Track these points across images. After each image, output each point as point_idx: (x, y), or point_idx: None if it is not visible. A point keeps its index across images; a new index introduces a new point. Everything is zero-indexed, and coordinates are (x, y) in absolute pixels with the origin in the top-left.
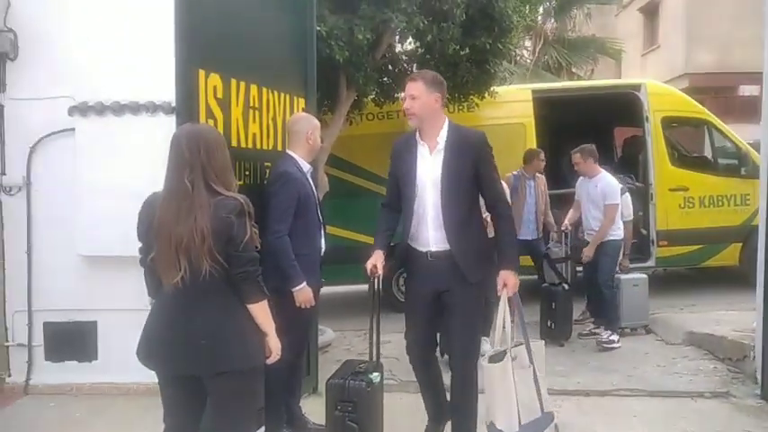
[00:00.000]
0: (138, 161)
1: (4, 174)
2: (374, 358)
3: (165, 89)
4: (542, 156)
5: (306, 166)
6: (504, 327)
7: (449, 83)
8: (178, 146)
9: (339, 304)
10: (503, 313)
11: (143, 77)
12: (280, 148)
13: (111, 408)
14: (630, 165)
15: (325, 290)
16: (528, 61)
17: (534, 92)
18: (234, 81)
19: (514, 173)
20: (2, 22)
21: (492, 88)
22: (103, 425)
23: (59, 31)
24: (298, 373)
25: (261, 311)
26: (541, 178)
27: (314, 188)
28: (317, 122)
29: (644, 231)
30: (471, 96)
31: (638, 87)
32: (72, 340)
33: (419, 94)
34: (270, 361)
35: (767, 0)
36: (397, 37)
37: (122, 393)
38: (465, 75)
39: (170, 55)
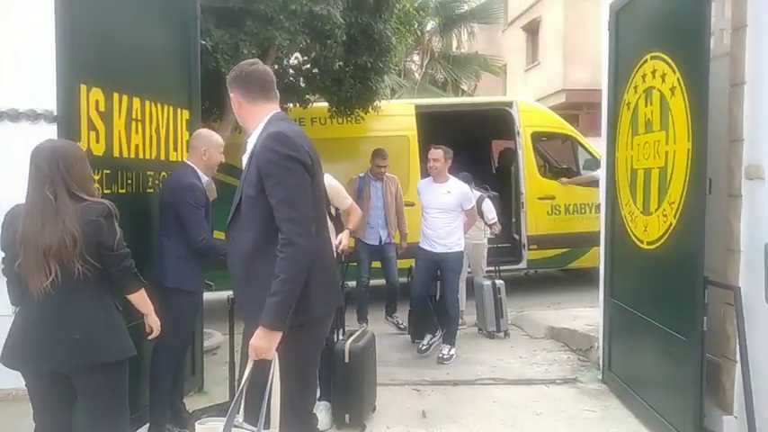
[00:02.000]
0: (17, 169)
1: None
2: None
3: (48, 98)
4: (383, 155)
5: (204, 178)
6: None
7: (334, 97)
8: (37, 162)
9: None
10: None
11: (24, 86)
12: (162, 157)
13: None
14: (505, 175)
15: (215, 295)
16: (417, 76)
17: (417, 107)
18: (116, 94)
19: (360, 175)
20: None
21: (375, 103)
22: None
23: None
24: (181, 368)
25: (140, 298)
26: (393, 179)
27: (208, 197)
28: (217, 141)
29: (516, 236)
30: (356, 110)
31: (510, 104)
32: None
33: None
34: (151, 337)
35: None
36: (285, 51)
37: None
38: (349, 90)
39: (53, 65)
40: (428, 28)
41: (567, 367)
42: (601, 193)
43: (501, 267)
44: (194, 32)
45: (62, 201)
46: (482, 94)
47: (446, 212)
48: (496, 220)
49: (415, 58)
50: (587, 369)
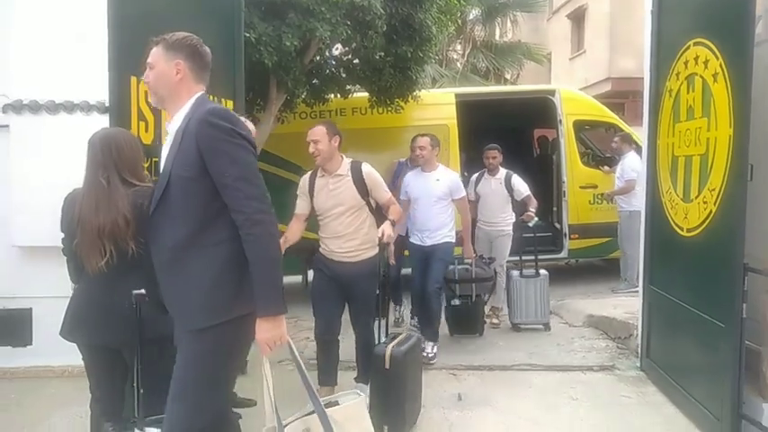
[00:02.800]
0: (73, 158)
1: None
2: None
3: (100, 89)
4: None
5: None
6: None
7: (374, 87)
8: (93, 149)
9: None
10: (266, 384)
11: (78, 78)
12: None
13: (45, 388)
14: (546, 163)
15: None
16: (458, 65)
17: (457, 95)
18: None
19: (401, 160)
20: None
21: (415, 92)
22: (39, 404)
23: None
24: None
25: None
26: None
27: None
28: (252, 129)
29: (557, 225)
30: (396, 100)
31: (552, 93)
32: (7, 327)
33: (154, 62)
34: None
35: (647, 21)
36: (327, 42)
37: (57, 375)
38: (389, 80)
39: (101, 59)
40: (470, 17)
41: (605, 355)
42: (642, 181)
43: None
44: (238, 25)
45: (114, 185)
46: (526, 84)
47: (436, 202)
48: (529, 193)
49: (457, 47)
50: (625, 356)
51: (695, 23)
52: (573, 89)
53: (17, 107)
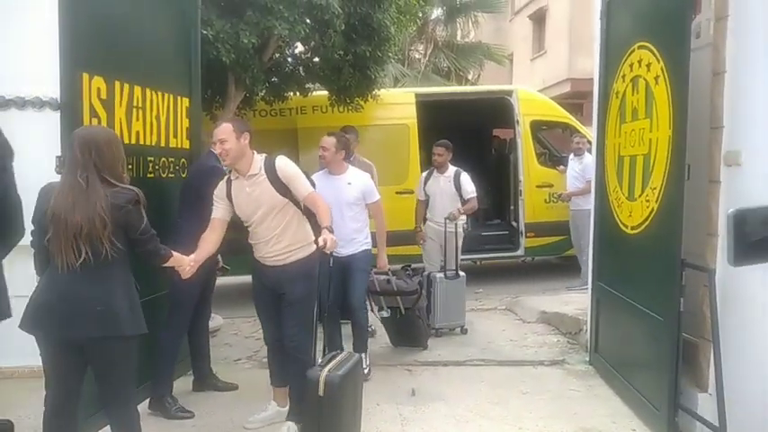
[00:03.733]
0: (23, 154)
1: None
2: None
3: (53, 86)
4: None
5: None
6: None
7: (334, 86)
8: (71, 148)
9: (233, 293)
10: None
11: (30, 74)
12: (163, 144)
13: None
14: (503, 163)
15: (220, 279)
16: (421, 65)
17: (417, 95)
18: (117, 83)
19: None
20: None
21: (375, 91)
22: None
23: None
24: (202, 336)
25: (170, 264)
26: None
27: None
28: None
29: (514, 224)
30: (356, 99)
31: (510, 93)
32: None
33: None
34: (185, 276)
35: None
36: (286, 41)
37: (6, 377)
38: (348, 79)
39: (53, 56)
40: (432, 17)
41: (556, 350)
42: (591, 181)
43: (497, 254)
44: (195, 22)
45: (93, 186)
46: (487, 84)
47: (349, 207)
48: (475, 194)
49: (419, 47)
50: (575, 351)
51: (640, 27)
52: (530, 90)
53: None
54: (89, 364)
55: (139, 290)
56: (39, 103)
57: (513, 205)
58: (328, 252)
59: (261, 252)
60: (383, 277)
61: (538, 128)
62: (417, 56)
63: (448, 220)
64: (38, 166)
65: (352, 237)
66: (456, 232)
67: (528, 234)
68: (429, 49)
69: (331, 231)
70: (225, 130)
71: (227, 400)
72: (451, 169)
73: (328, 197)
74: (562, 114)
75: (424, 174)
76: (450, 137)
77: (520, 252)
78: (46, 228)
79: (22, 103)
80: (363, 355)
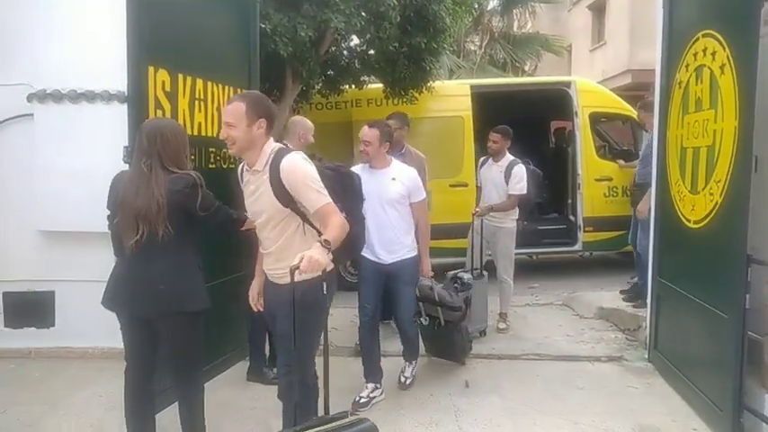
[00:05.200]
0: (93, 145)
1: None
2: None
3: (120, 80)
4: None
5: None
6: None
7: (388, 78)
8: (139, 137)
9: None
10: None
11: (99, 68)
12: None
13: (67, 369)
14: (562, 156)
15: None
16: (476, 56)
17: (473, 87)
18: (181, 76)
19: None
20: None
21: (429, 83)
22: (61, 383)
23: (20, 22)
24: None
25: (248, 226)
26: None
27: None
28: (310, 126)
29: (572, 218)
30: (410, 91)
31: (568, 84)
32: (31, 309)
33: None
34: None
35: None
36: (342, 33)
37: (78, 357)
38: (403, 71)
39: (120, 49)
40: (488, 8)
41: (614, 346)
42: (652, 174)
43: (554, 249)
44: (254, 16)
45: (155, 173)
46: (545, 75)
47: (392, 206)
48: (524, 191)
49: (475, 38)
50: (634, 348)
51: (704, 15)
52: (590, 81)
53: (41, 96)
54: (158, 340)
55: (201, 269)
56: (107, 97)
57: (571, 199)
58: (302, 271)
59: (265, 263)
60: (426, 283)
61: (597, 120)
62: (473, 47)
63: (475, 217)
64: (107, 156)
65: (397, 240)
66: (506, 228)
67: (586, 228)
68: (485, 41)
69: (325, 246)
70: (235, 111)
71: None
72: (507, 159)
73: (369, 194)
74: (623, 106)
75: (481, 159)
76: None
77: (577, 247)
78: (116, 211)
79: (91, 97)
80: (412, 363)
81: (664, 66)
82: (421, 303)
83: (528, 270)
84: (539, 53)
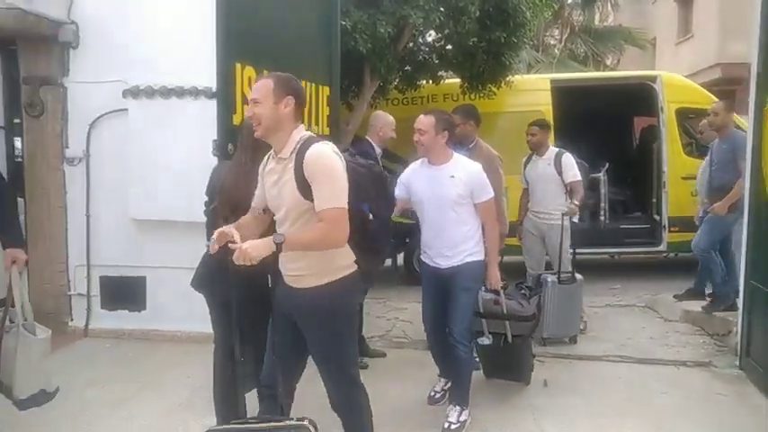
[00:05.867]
0: (181, 138)
1: (67, 147)
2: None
3: (207, 77)
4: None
5: (378, 151)
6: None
7: (466, 73)
8: (241, 132)
9: None
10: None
11: (188, 66)
12: (306, 130)
13: (157, 350)
14: (646, 154)
15: None
16: (556, 50)
17: (553, 81)
18: (266, 72)
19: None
20: (66, 15)
21: (508, 78)
22: (152, 363)
23: (115, 23)
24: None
25: None
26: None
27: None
28: (391, 120)
29: (656, 217)
30: (488, 85)
31: (653, 79)
32: (124, 292)
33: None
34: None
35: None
36: (420, 29)
37: (167, 339)
38: (482, 65)
39: (210, 46)
40: (569, 1)
41: (701, 351)
42: (746, 172)
43: (636, 249)
44: (335, 14)
45: (253, 167)
46: (627, 70)
47: (452, 207)
48: (578, 179)
49: (555, 32)
50: (723, 354)
51: None
52: (677, 75)
53: (134, 92)
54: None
55: None
56: (195, 92)
57: (656, 198)
58: (236, 261)
59: (281, 263)
60: (490, 296)
61: (684, 116)
62: (552, 42)
63: (565, 217)
64: (195, 149)
65: (454, 245)
66: (562, 225)
67: (671, 228)
68: (565, 35)
69: (277, 246)
70: (262, 87)
71: None
72: (551, 150)
73: (424, 193)
74: (713, 101)
75: (524, 158)
76: (587, 125)
77: (662, 247)
78: (214, 198)
79: (181, 93)
80: (457, 407)
81: (760, 58)
82: (484, 321)
83: (609, 270)
84: (621, 47)
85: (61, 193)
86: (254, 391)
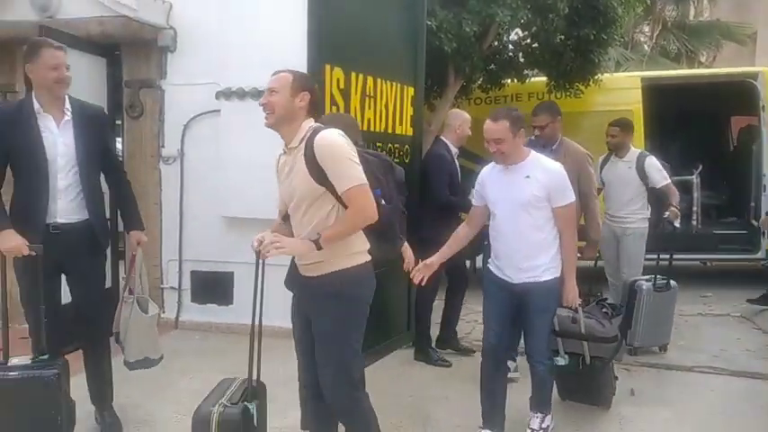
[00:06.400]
0: (270, 137)
1: (163, 146)
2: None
3: None
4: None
5: (454, 150)
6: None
7: (553, 71)
8: None
9: None
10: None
11: (277, 68)
12: (390, 130)
13: (243, 344)
14: (745, 156)
15: None
16: (646, 47)
17: (644, 79)
18: (353, 74)
19: (530, 137)
20: (165, 21)
21: (597, 76)
22: (239, 356)
23: (210, 29)
24: (457, 311)
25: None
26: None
27: (458, 167)
28: (468, 117)
29: (754, 223)
30: (576, 84)
31: (755, 76)
32: (213, 287)
33: None
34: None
35: None
36: (506, 27)
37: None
38: (569, 63)
39: (300, 50)
40: None
41: None
42: None
43: (731, 256)
44: (421, 15)
45: None
46: (723, 67)
47: (525, 211)
48: (668, 181)
49: (645, 28)
50: None
51: None
52: None
53: (227, 94)
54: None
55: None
56: None
57: (754, 202)
58: (261, 255)
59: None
60: (567, 313)
61: None
62: (642, 38)
63: (667, 222)
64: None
65: (529, 255)
66: (636, 230)
67: None
68: (656, 31)
69: (316, 244)
70: (280, 78)
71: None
72: (633, 152)
73: (498, 195)
74: None
75: (602, 157)
76: (680, 125)
77: (760, 255)
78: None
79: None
80: (539, 414)
81: None
82: (559, 339)
83: (699, 277)
84: (718, 42)
85: (157, 191)
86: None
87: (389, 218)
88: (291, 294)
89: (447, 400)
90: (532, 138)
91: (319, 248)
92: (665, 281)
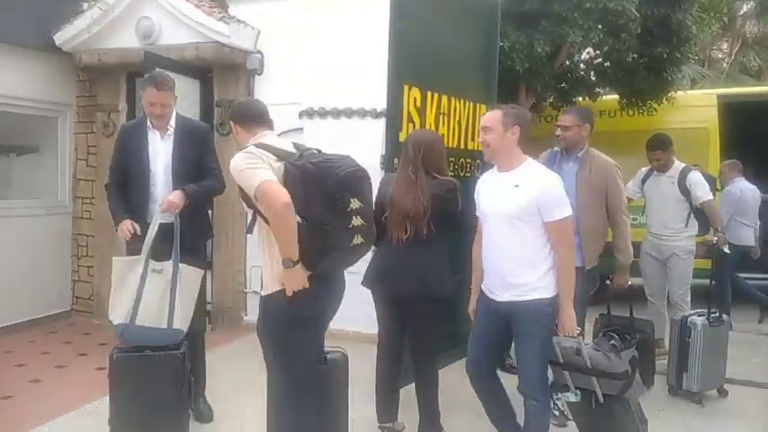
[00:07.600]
0: (352, 154)
1: None
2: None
3: (373, 99)
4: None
5: None
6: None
7: (625, 89)
8: (405, 147)
9: None
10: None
11: (356, 89)
12: (462, 146)
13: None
14: None
15: None
16: (724, 64)
17: (719, 96)
18: (429, 93)
19: (555, 148)
20: (253, 46)
21: (670, 93)
22: None
23: (294, 52)
24: None
25: None
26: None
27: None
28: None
29: None
30: (649, 101)
31: None
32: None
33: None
34: None
35: None
36: (577, 47)
37: (328, 336)
38: (642, 81)
39: (376, 72)
40: (741, 12)
41: None
42: None
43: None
44: (495, 36)
45: (419, 179)
46: None
47: (510, 224)
48: (711, 197)
49: (723, 45)
50: None
51: None
52: None
53: (309, 113)
54: (406, 322)
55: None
56: (363, 113)
57: None
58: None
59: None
60: (570, 344)
61: None
62: (720, 55)
63: (715, 245)
64: (363, 165)
65: (514, 273)
66: (684, 249)
67: None
68: (735, 47)
69: (285, 264)
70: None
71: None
72: (677, 166)
73: (486, 206)
74: None
75: (644, 170)
76: (760, 143)
77: None
78: (383, 209)
79: (350, 113)
80: None
81: None
82: (566, 373)
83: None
84: None
85: (242, 201)
86: (412, 385)
87: (303, 237)
88: (372, 300)
89: None
90: (555, 149)
91: (290, 266)
92: (716, 313)
